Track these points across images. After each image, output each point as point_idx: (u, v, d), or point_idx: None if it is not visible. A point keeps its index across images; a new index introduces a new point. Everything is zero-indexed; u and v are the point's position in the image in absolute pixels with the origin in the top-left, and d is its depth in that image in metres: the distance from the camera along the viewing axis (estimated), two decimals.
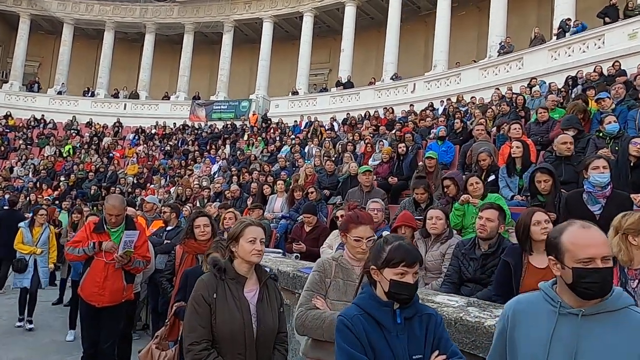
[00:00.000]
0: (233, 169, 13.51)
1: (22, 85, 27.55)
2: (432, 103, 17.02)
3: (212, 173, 14.64)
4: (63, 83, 27.49)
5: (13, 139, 21.93)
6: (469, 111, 12.03)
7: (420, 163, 7.53)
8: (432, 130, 11.00)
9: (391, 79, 21.21)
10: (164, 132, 22.72)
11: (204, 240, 3.63)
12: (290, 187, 7.70)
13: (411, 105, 17.57)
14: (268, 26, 26.13)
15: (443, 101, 16.32)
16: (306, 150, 14.20)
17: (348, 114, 20.17)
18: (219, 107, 25.11)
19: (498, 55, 16.98)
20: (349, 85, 22.43)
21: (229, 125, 22.13)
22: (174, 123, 23.95)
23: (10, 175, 17.65)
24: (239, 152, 16.45)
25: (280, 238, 6.85)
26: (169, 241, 5.46)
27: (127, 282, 3.85)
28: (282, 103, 24.02)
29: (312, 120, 20.31)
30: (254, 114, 23.22)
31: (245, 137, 20.19)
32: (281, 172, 10.11)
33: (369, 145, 10.43)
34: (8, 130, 22.88)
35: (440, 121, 11.23)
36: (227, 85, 26.83)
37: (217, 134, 21.25)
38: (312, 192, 7.04)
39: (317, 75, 27.52)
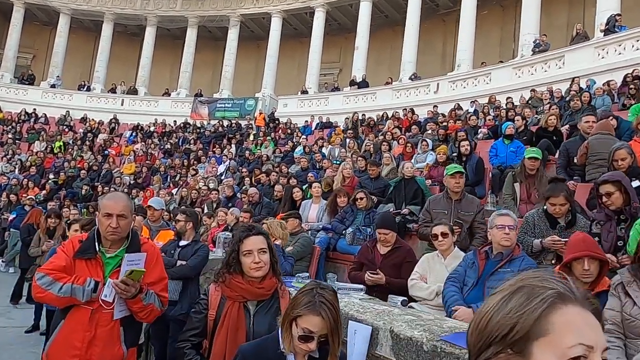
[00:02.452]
0: (244, 170, 12.01)
1: (13, 78, 25.92)
2: (458, 104, 15.65)
3: (218, 174, 13.12)
4: (58, 76, 25.89)
5: (1, 134, 20.34)
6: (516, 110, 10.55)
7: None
8: (480, 130, 9.55)
9: (410, 79, 19.80)
10: (163, 130, 21.17)
11: (259, 279, 2.11)
12: (333, 191, 6.18)
13: (435, 106, 16.17)
14: (277, 22, 24.69)
15: (474, 101, 14.89)
16: (326, 150, 12.70)
17: (364, 114, 18.73)
18: (223, 105, 23.59)
19: (532, 54, 15.58)
20: (363, 84, 21.01)
21: (233, 124, 20.62)
22: (175, 121, 22.44)
23: None
24: (247, 152, 14.96)
25: (321, 256, 5.32)
26: (183, 262, 3.93)
27: (129, 346, 2.28)
28: (291, 102, 22.55)
29: (323, 120, 18.96)
30: (260, 113, 21.74)
31: (252, 137, 18.71)
32: (307, 174, 8.59)
33: (408, 146, 8.94)
34: None
35: (489, 119, 9.77)
36: (232, 83, 25.32)
37: (221, 133, 19.74)
38: (361, 199, 5.53)
39: (326, 75, 26.08)
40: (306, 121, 19.55)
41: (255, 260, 2.09)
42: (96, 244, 2.30)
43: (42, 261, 6.00)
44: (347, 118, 17.97)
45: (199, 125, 21.88)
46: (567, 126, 7.60)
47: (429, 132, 10.64)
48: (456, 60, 18.96)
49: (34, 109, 23.21)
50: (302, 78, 27.26)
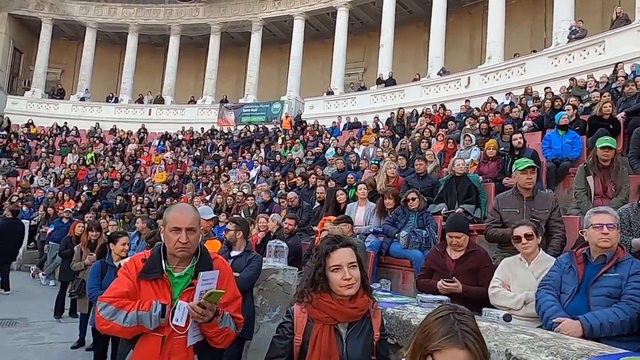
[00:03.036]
0: (276, 174, 11.80)
1: (44, 93, 26.50)
2: (491, 97, 15.13)
3: (250, 179, 12.96)
4: (86, 89, 26.33)
5: (35, 148, 20.73)
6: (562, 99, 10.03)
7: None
8: (524, 123, 9.09)
9: (438, 74, 19.31)
10: (191, 138, 21.22)
11: (350, 297, 1.83)
12: (380, 192, 5.87)
13: (467, 100, 15.69)
14: (299, 24, 24.52)
15: (509, 93, 14.36)
16: (359, 150, 12.39)
17: (392, 113, 18.33)
18: (249, 110, 23.53)
19: (569, 42, 14.94)
20: (390, 82, 20.61)
21: (260, 129, 20.51)
22: (202, 128, 22.50)
23: (30, 185, 16.28)
24: (277, 155, 14.77)
25: (374, 261, 5.03)
26: (236, 274, 3.68)
27: None
28: (317, 104, 22.30)
29: (351, 121, 18.63)
30: (286, 116, 21.59)
31: (280, 141, 18.55)
32: (346, 175, 8.30)
33: (450, 142, 8.55)
34: (30, 139, 21.72)
35: (533, 111, 9.30)
36: (257, 88, 25.26)
37: (249, 138, 19.65)
38: (413, 199, 5.20)
39: (350, 75, 25.74)
40: (334, 122, 19.28)
41: (346, 276, 1.82)
42: (163, 262, 2.06)
43: (84, 275, 5.89)
44: (392, 113, 17.39)
45: (226, 131, 21.86)
46: (622, 113, 7.11)
47: (468, 126, 10.21)
48: (486, 53, 18.37)
49: (65, 123, 23.63)
50: (326, 79, 27.02)
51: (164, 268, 2.06)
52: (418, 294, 2.79)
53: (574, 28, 15.01)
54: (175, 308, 1.96)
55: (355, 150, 12.70)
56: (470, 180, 5.73)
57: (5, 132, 22.13)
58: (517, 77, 15.94)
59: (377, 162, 8.65)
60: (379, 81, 20.85)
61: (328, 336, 1.81)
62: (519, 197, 3.86)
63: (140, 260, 2.10)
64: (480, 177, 6.39)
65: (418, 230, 4.97)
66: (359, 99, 20.96)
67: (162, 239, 2.11)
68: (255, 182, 12.95)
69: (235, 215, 7.70)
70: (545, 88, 13.01)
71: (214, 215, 5.81)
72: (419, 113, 16.57)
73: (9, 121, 23.42)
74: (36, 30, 26.96)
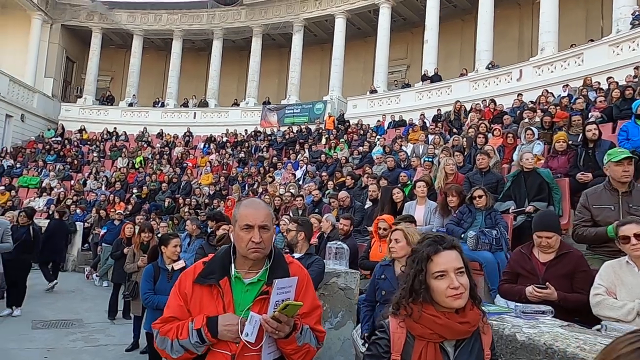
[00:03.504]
0: (323, 174, 11.56)
1: (95, 100, 27.47)
2: (546, 90, 14.34)
3: (296, 179, 12.79)
4: (134, 95, 27.11)
5: (87, 153, 21.44)
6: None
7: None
8: (590, 114, 8.44)
9: (487, 68, 18.54)
10: (235, 140, 21.36)
11: (456, 310, 1.53)
12: (442, 190, 5.50)
13: (519, 94, 14.94)
14: (341, 22, 24.26)
15: (566, 85, 13.54)
16: (408, 148, 11.98)
17: (439, 109, 17.77)
18: (292, 111, 23.46)
19: (632, 28, 13.94)
20: (436, 78, 19.99)
21: (303, 129, 20.38)
22: (245, 130, 22.63)
23: (83, 188, 16.79)
24: (322, 155, 14.55)
25: None
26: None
27: None
28: (361, 103, 21.95)
29: (396, 119, 18.18)
30: (329, 116, 21.37)
31: (324, 141, 18.34)
32: (398, 174, 7.94)
33: (509, 137, 8.04)
34: (82, 144, 22.51)
35: (600, 102, 8.63)
36: (299, 88, 25.19)
37: (292, 139, 19.56)
38: (480, 197, 4.81)
39: (393, 73, 25.25)
40: (378, 121, 18.89)
41: (454, 284, 1.52)
42: (232, 265, 1.83)
43: (137, 277, 5.83)
44: (448, 110, 16.81)
45: (269, 132, 21.89)
46: None
47: (526, 120, 9.63)
48: (538, 44, 17.47)
49: (115, 128, 24.36)
50: (368, 78, 26.66)
51: (231, 273, 1.81)
52: (516, 304, 2.43)
53: (637, 14, 14.01)
54: (247, 321, 1.71)
55: (404, 148, 12.31)
56: (541, 176, 5.27)
57: (59, 138, 23.04)
58: (574, 68, 15.04)
59: (430, 160, 8.25)
60: (424, 77, 20.28)
61: (434, 356, 1.51)
62: (612, 192, 3.41)
63: (202, 264, 1.87)
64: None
65: (487, 230, 4.57)
66: (404, 97, 20.46)
67: (232, 240, 1.87)
68: (301, 183, 12.79)
69: (286, 216, 7.51)
70: (608, 78, 12.19)
71: None
72: (467, 109, 16.01)
73: (63, 128, 24.38)
74: (87, 40, 28.00)
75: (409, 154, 10.74)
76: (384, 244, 4.99)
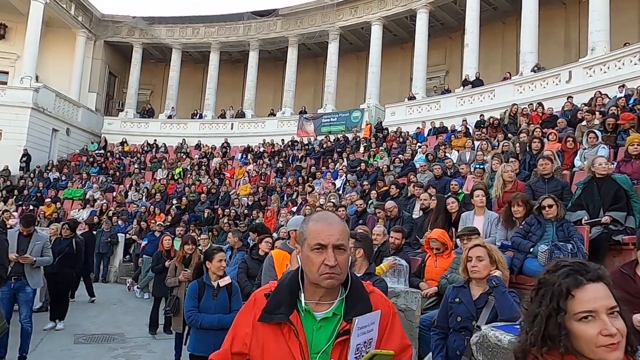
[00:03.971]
0: (364, 183, 11.18)
1: (136, 113, 28.11)
2: (599, 91, 13.52)
3: (336, 188, 12.46)
4: (173, 107, 27.59)
5: (128, 165, 21.84)
6: None
7: None
8: None
9: (532, 71, 17.76)
10: (272, 150, 21.28)
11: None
12: (499, 199, 5.04)
13: (569, 96, 14.15)
14: (377, 29, 23.94)
15: (622, 86, 12.71)
16: (453, 155, 11.46)
17: (482, 115, 17.10)
18: (328, 120, 23.23)
19: None
20: (478, 83, 19.32)
21: (340, 138, 20.08)
22: (282, 139, 22.53)
23: (125, 200, 17.02)
24: (362, 164, 14.17)
25: None
26: None
27: None
28: (399, 110, 21.48)
29: (436, 126, 17.64)
30: (367, 124, 21.00)
31: (362, 149, 17.98)
32: (450, 182, 7.49)
33: (569, 141, 7.45)
34: (124, 157, 22.97)
35: None
36: (335, 97, 24.96)
37: (329, 148, 19.29)
38: (550, 207, 4.33)
39: (431, 79, 24.64)
40: (418, 127, 18.39)
41: (608, 330, 1.14)
42: (301, 296, 1.50)
43: (179, 292, 5.60)
44: (503, 112, 16.08)
45: (306, 142, 21.71)
46: None
47: (584, 123, 8.98)
48: (588, 44, 16.59)
49: (155, 140, 24.78)
50: (405, 85, 26.18)
51: (299, 306, 1.48)
52: None
53: None
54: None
55: (448, 155, 11.80)
56: (617, 182, 4.74)
57: (102, 151, 23.61)
58: (630, 67, 14.15)
59: (481, 167, 7.75)
60: (465, 82, 19.63)
61: None
62: None
63: (263, 296, 1.54)
64: None
65: (561, 243, 4.09)
66: (444, 103, 19.86)
67: (299, 262, 1.54)
68: (341, 192, 12.46)
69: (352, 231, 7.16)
70: None
71: None
72: (510, 113, 15.32)
73: (105, 141, 25.00)
74: (128, 55, 28.77)
75: (454, 161, 10.23)
76: (440, 259, 4.58)
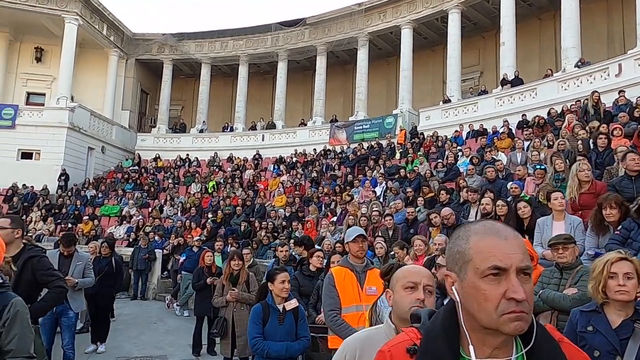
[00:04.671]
0: (408, 190, 10.62)
1: (168, 129, 28.36)
2: None
3: (377, 196, 11.94)
4: (204, 121, 27.69)
5: (162, 180, 21.88)
6: None
7: None
8: None
9: (576, 66, 16.86)
10: (305, 160, 20.93)
11: None
12: (574, 202, 4.45)
13: (620, 91, 13.26)
14: (407, 33, 23.41)
15: None
16: (500, 157, 10.79)
17: (524, 115, 16.33)
18: (361, 127, 22.76)
19: None
20: (517, 82, 18.51)
21: (374, 145, 19.56)
22: (314, 149, 22.17)
23: (160, 215, 16.91)
24: (402, 170, 13.61)
25: None
26: None
27: None
28: (434, 114, 20.82)
29: (475, 128, 16.95)
30: (401, 130, 20.42)
31: (398, 155, 17.42)
32: (508, 185, 6.89)
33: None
34: (157, 172, 23.06)
35: None
36: (366, 104, 24.49)
37: (363, 155, 18.79)
38: None
39: (465, 81, 23.84)
40: (456, 131, 17.67)
41: None
42: (468, 350, 1.02)
43: (226, 313, 5.19)
44: (584, 103, 15.24)
45: (339, 150, 21.30)
46: None
47: None
48: (637, 36, 15.64)
49: (187, 154, 24.84)
50: (437, 88, 25.52)
51: (469, 358, 1.02)
52: None
53: None
54: None
55: (495, 157, 11.13)
56: None
57: (136, 167, 23.79)
58: None
59: (542, 167, 7.11)
60: (504, 82, 18.85)
61: None
62: None
63: (404, 352, 1.08)
64: None
65: None
66: (482, 104, 19.11)
67: (456, 297, 1.07)
68: (381, 200, 11.93)
69: (380, 238, 6.67)
70: None
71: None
72: (558, 112, 14.52)
73: (139, 157, 25.23)
74: (158, 72, 29.12)
75: (507, 163, 9.57)
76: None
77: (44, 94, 25.88)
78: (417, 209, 8.78)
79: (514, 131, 15.12)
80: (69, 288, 3.71)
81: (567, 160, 7.43)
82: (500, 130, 15.07)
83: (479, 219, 6.22)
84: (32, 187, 20.10)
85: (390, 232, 7.85)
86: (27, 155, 22.01)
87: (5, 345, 2.32)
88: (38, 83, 26.05)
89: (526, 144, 11.05)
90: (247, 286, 5.16)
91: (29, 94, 26.07)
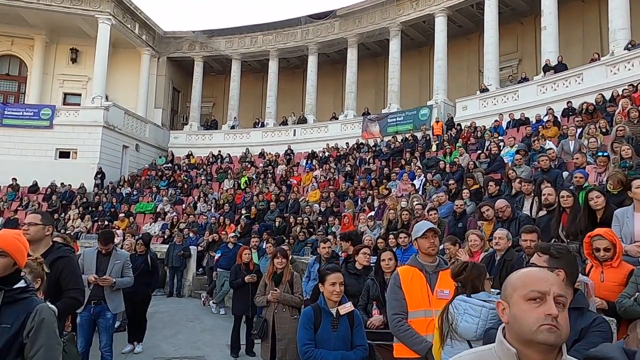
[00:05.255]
0: (451, 182, 10.08)
1: (199, 126, 28.46)
2: None
3: (417, 189, 11.44)
4: (235, 117, 27.64)
5: (195, 177, 21.91)
6: None
7: None
8: None
9: (626, 48, 15.83)
10: (338, 154, 20.51)
11: None
12: None
13: None
14: (441, 21, 22.62)
15: None
16: (548, 145, 10.12)
17: (569, 102, 15.45)
18: (394, 120, 22.17)
19: None
20: (561, 67, 17.55)
21: (409, 138, 18.97)
22: (347, 143, 21.71)
23: (194, 211, 16.86)
24: (440, 162, 13.06)
25: None
26: None
27: None
28: (471, 104, 20.04)
29: (515, 117, 16.20)
30: (437, 121, 19.74)
31: (434, 147, 16.81)
32: (572, 174, 6.31)
33: None
34: (190, 169, 23.11)
35: None
36: (399, 96, 23.85)
37: (398, 148, 18.27)
38: None
39: (502, 69, 22.84)
40: (496, 120, 16.95)
41: None
42: None
43: (267, 313, 4.86)
44: (550, 109, 14.83)
45: (372, 143, 20.79)
46: None
47: None
48: None
49: (219, 151, 24.84)
50: (473, 78, 24.66)
51: None
52: None
53: None
54: None
55: (543, 146, 10.47)
56: None
57: (170, 165, 23.93)
58: None
59: (606, 154, 6.50)
60: (546, 68, 17.92)
61: None
62: None
63: None
64: None
65: None
66: (522, 92, 18.23)
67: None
68: (420, 193, 11.42)
69: None
70: None
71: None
72: (606, 98, 13.64)
73: (172, 154, 25.40)
74: (189, 70, 29.22)
75: (559, 151, 8.93)
76: (608, 270, 3.50)
77: (79, 94, 26.35)
78: (465, 201, 8.25)
79: (559, 119, 14.35)
80: (83, 301, 3.37)
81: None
82: (545, 119, 14.30)
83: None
84: (69, 185, 20.44)
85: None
86: (64, 155, 22.43)
87: (30, 358, 2.03)
88: (74, 84, 26.53)
89: (577, 129, 10.32)
90: (291, 286, 4.81)
91: (65, 94, 26.59)
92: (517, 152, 10.23)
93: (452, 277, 2.69)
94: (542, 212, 5.88)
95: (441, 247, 6.35)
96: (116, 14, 24.31)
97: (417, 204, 8.44)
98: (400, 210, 8.63)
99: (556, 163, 8.52)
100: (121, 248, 6.62)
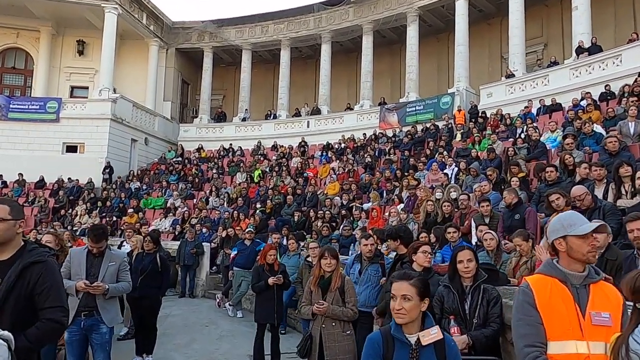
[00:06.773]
0: (489, 171, 9.09)
1: (210, 119, 27.62)
2: None
3: (449, 179, 10.46)
4: (246, 110, 26.77)
5: (206, 170, 21.09)
6: None
7: None
8: None
9: None
10: (355, 145, 19.54)
11: None
12: None
13: None
14: (462, 5, 21.45)
15: None
16: (596, 129, 9.09)
17: (607, 85, 14.35)
18: (414, 109, 21.12)
19: None
20: (595, 49, 16.40)
21: (430, 127, 17.94)
22: (364, 134, 20.74)
23: (206, 206, 16.02)
24: (473, 151, 12.08)
25: None
26: None
27: None
28: (497, 90, 18.94)
29: (546, 103, 15.15)
30: (459, 110, 18.70)
31: (459, 137, 15.79)
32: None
33: None
34: (201, 163, 22.29)
35: None
36: (418, 84, 22.77)
37: (419, 138, 17.28)
38: None
39: (527, 54, 21.65)
40: (526, 107, 15.86)
41: None
42: None
43: (313, 328, 3.93)
44: (586, 93, 13.81)
45: (390, 134, 19.80)
46: None
47: None
48: None
49: (230, 144, 24.00)
50: (495, 64, 23.55)
51: None
52: None
53: None
54: None
55: (594, 129, 9.45)
56: None
57: (180, 158, 23.13)
58: None
59: None
60: (579, 50, 16.77)
61: None
62: None
63: None
64: None
65: None
66: (553, 77, 17.09)
67: None
68: (452, 182, 10.44)
69: (487, 229, 5.26)
70: None
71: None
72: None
73: (182, 148, 24.60)
74: (199, 61, 28.34)
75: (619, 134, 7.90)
76: None
77: (87, 88, 25.60)
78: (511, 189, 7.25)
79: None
80: (67, 323, 2.30)
81: None
82: (583, 103, 13.23)
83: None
84: (77, 180, 19.73)
85: (487, 220, 6.41)
86: (71, 149, 21.72)
87: None
88: (81, 76, 25.77)
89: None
90: (341, 294, 3.87)
91: (72, 87, 25.87)
92: (565, 137, 9.22)
93: (630, 294, 1.75)
94: (625, 200, 4.90)
95: (504, 243, 5.39)
96: (123, 4, 23.48)
97: (461, 195, 7.45)
98: (441, 202, 7.66)
99: (607, 148, 7.48)
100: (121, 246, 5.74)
